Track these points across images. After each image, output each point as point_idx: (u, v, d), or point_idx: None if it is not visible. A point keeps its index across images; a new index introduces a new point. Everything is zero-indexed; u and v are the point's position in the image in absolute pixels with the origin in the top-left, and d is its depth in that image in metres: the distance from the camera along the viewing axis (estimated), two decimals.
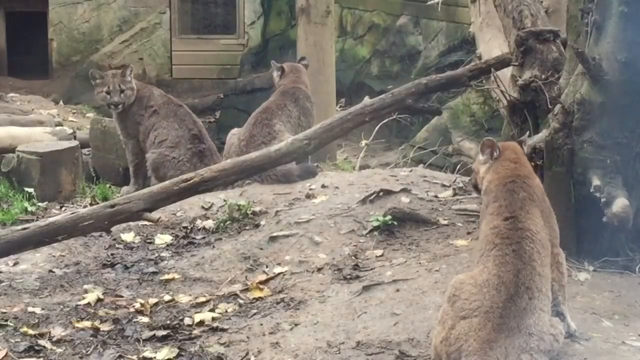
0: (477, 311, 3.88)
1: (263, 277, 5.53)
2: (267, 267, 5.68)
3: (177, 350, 4.67)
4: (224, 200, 6.67)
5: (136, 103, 8.06)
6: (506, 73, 5.83)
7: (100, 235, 6.29)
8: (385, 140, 11.03)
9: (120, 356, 4.65)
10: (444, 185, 6.58)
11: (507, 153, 4.39)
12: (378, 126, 8.80)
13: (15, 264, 5.92)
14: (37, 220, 6.55)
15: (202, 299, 5.33)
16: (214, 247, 6.11)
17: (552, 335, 3.93)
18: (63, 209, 7.46)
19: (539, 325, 3.89)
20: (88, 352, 4.69)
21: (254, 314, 5.08)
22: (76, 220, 5.41)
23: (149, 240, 6.40)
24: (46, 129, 9.02)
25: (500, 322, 3.84)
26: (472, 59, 8.02)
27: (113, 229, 5.67)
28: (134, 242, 6.37)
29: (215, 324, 4.96)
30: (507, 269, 3.96)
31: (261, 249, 5.89)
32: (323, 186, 6.75)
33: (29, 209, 7.34)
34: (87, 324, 4.99)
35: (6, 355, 4.53)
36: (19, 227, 5.54)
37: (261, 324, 4.91)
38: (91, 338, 4.84)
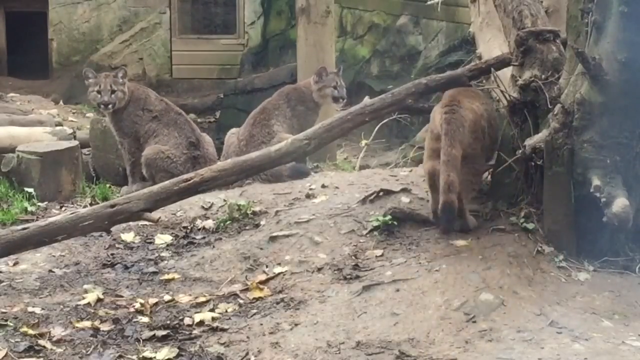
0: None
1: (263, 277, 5.53)
2: (267, 267, 5.67)
3: (177, 350, 4.67)
4: (224, 200, 6.67)
5: (132, 103, 8.08)
6: (506, 73, 5.83)
7: (100, 235, 6.29)
8: (385, 140, 10.99)
9: (120, 356, 4.64)
10: None
11: None
12: (378, 126, 8.76)
13: (15, 264, 5.92)
14: (37, 220, 6.55)
15: (202, 299, 5.33)
16: (214, 247, 6.10)
17: None
18: (63, 209, 7.46)
19: None
20: (88, 352, 4.68)
21: (254, 314, 5.08)
22: (76, 220, 5.41)
23: (149, 240, 6.40)
24: (46, 129, 9.02)
25: None
26: (472, 59, 8.01)
27: (113, 229, 5.67)
28: (134, 242, 6.37)
29: (215, 324, 4.96)
30: None
31: (261, 249, 5.89)
32: (323, 186, 6.75)
33: (29, 209, 7.34)
34: (87, 324, 4.99)
35: (6, 355, 4.52)
36: (19, 227, 5.53)
37: (261, 324, 4.91)
38: (91, 338, 4.83)
